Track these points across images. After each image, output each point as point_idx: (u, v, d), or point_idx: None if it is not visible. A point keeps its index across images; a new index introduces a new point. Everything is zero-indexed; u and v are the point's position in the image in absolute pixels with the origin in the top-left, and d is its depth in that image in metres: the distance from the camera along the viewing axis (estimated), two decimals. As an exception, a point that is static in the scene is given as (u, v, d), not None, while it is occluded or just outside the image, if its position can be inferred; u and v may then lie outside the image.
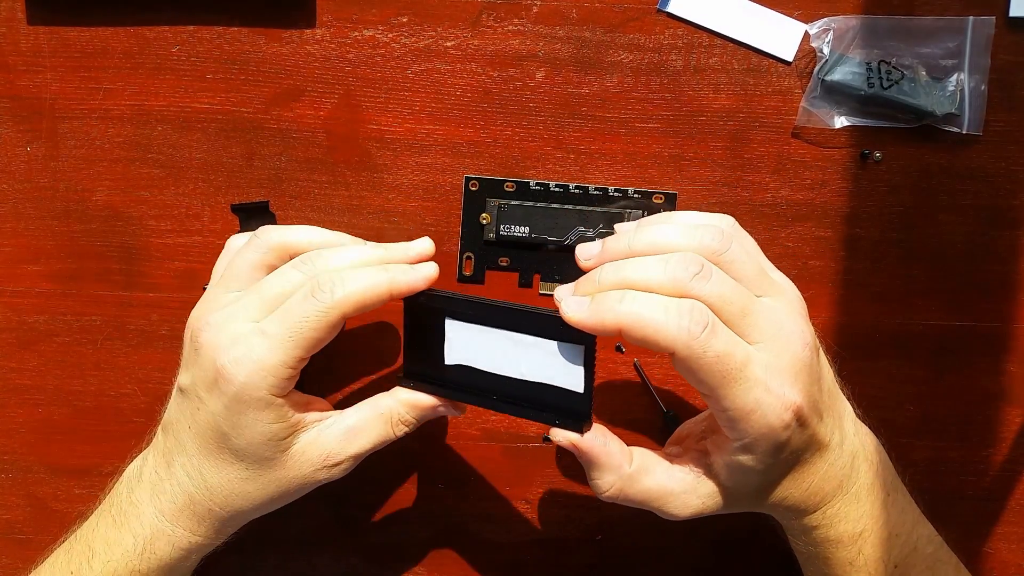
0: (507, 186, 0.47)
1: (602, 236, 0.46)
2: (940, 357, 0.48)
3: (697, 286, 0.35)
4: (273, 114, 0.47)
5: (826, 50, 0.45)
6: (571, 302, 0.36)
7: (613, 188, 0.47)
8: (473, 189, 0.47)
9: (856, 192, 0.47)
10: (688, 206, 0.47)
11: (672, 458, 0.40)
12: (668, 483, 0.39)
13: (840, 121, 0.46)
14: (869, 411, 0.42)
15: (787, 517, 0.40)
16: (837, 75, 0.45)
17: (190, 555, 0.41)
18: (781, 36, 0.46)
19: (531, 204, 0.47)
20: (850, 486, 0.39)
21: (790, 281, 0.39)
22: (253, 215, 0.47)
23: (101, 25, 0.46)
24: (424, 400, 0.41)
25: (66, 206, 0.47)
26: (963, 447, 0.48)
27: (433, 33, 0.46)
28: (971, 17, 0.45)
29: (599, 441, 0.38)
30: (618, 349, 0.48)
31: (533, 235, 0.47)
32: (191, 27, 0.46)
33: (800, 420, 0.36)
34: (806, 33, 0.46)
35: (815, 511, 0.39)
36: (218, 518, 0.40)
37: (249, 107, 0.47)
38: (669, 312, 0.34)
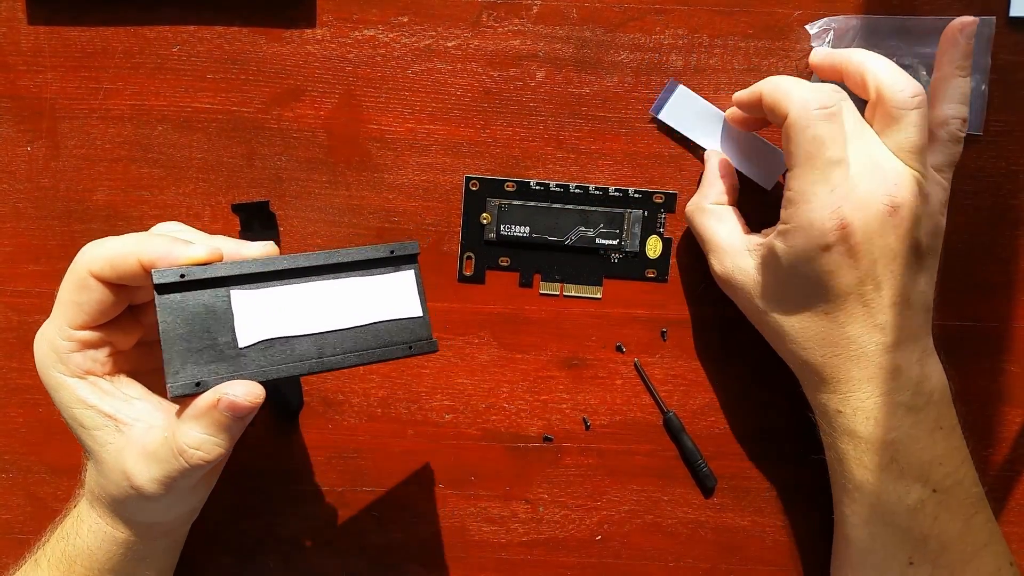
0: (507, 186, 0.47)
1: (603, 236, 0.47)
2: (940, 357, 0.48)
3: (837, 90, 0.39)
4: (273, 114, 0.47)
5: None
6: (738, 92, 0.43)
7: (614, 188, 0.47)
8: (473, 189, 0.47)
9: (856, 192, 0.47)
10: (688, 206, 0.47)
11: (742, 221, 0.43)
12: (723, 237, 0.43)
13: None
14: (869, 411, 0.42)
15: (812, 382, 0.41)
16: None
17: (112, 547, 0.39)
18: (766, 166, 0.46)
19: (532, 204, 0.47)
20: (887, 393, 0.39)
21: (947, 185, 0.41)
22: (253, 215, 0.47)
23: (101, 25, 0.46)
24: (204, 401, 0.34)
25: (66, 206, 0.47)
26: (963, 447, 0.48)
27: (433, 33, 0.46)
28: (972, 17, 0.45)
29: (714, 171, 0.44)
30: (618, 349, 0.48)
31: (534, 235, 0.47)
32: (191, 27, 0.46)
33: (846, 243, 0.38)
34: (806, 32, 0.46)
35: (840, 392, 0.40)
36: (108, 506, 0.38)
37: (249, 107, 0.47)
38: (801, 84, 0.39)
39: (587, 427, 0.48)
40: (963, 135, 0.41)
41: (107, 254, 0.35)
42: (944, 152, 0.41)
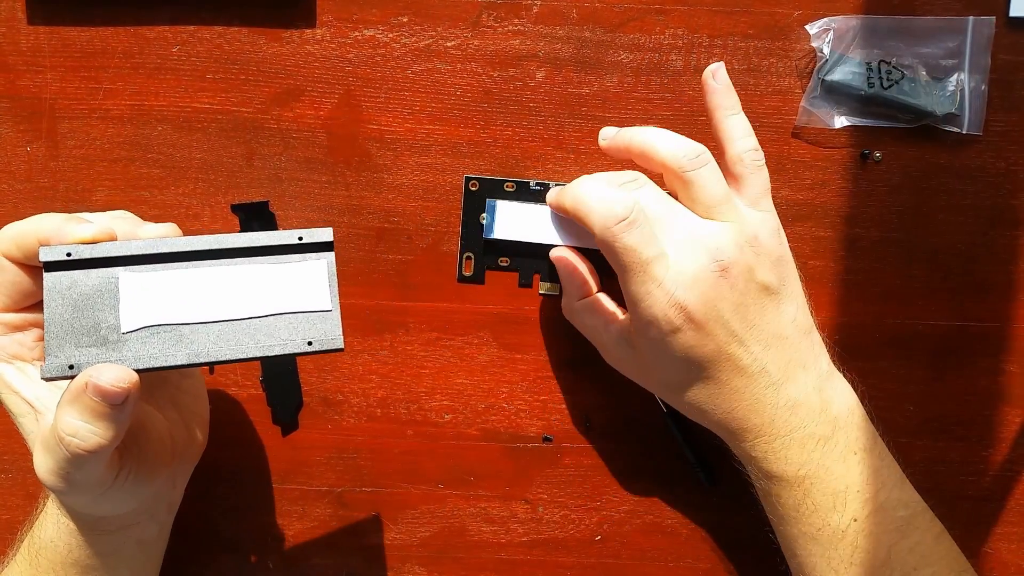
0: (507, 186, 0.47)
1: None
2: (940, 357, 0.48)
3: (632, 190, 0.40)
4: (273, 114, 0.47)
5: (826, 50, 0.45)
6: (550, 196, 0.44)
7: None
8: (473, 189, 0.47)
9: (856, 192, 0.47)
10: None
11: (617, 315, 0.44)
12: (596, 333, 0.44)
13: (840, 121, 0.46)
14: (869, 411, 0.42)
15: (724, 436, 0.42)
16: (837, 75, 0.45)
17: (70, 539, 0.39)
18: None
19: (528, 203, 0.46)
20: (791, 430, 0.40)
21: (769, 215, 0.41)
22: (253, 215, 0.47)
23: (101, 25, 0.46)
24: (75, 385, 0.32)
25: (66, 206, 0.47)
26: (963, 447, 0.48)
27: (433, 33, 0.46)
28: (971, 17, 0.45)
29: (569, 267, 0.44)
30: (618, 349, 0.48)
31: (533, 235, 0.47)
32: (191, 27, 0.46)
33: (693, 323, 0.39)
34: (806, 32, 0.46)
35: (748, 440, 0.41)
36: (43, 484, 0.36)
37: (249, 107, 0.47)
38: (599, 199, 0.39)
39: (587, 427, 0.48)
40: (762, 162, 0.41)
41: (11, 234, 0.35)
42: (753, 184, 0.41)
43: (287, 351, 0.34)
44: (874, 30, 0.45)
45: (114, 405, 0.32)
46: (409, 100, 0.47)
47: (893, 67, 0.45)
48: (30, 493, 0.49)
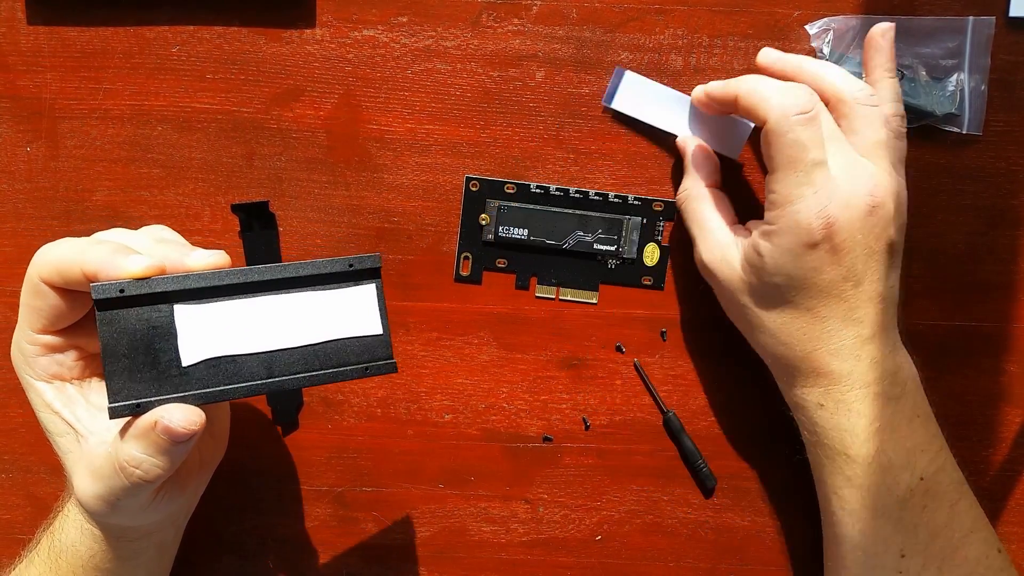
0: (507, 188, 0.47)
1: (600, 242, 0.47)
2: (940, 357, 0.48)
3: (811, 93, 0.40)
4: (273, 114, 0.47)
5: (826, 50, 0.45)
6: (702, 89, 0.44)
7: (613, 194, 0.47)
8: (473, 190, 0.47)
9: (856, 192, 0.47)
10: (688, 206, 0.47)
11: (733, 217, 0.44)
12: (712, 225, 0.43)
13: None
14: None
15: (784, 377, 0.42)
16: None
17: (92, 544, 0.39)
18: (729, 135, 0.46)
19: (531, 207, 0.47)
20: (867, 384, 0.40)
21: (903, 183, 0.41)
22: (253, 215, 0.47)
23: (101, 25, 0.46)
24: (143, 422, 0.33)
25: (66, 206, 0.47)
26: (963, 447, 0.48)
27: (433, 33, 0.46)
28: (971, 17, 0.45)
29: (699, 155, 0.45)
30: (618, 349, 0.48)
31: (532, 237, 0.47)
32: (191, 27, 0.46)
33: (831, 241, 0.38)
34: (806, 32, 0.46)
35: (816, 383, 0.40)
36: (83, 506, 0.37)
37: (249, 107, 0.47)
38: (780, 89, 0.39)
39: (587, 427, 0.48)
40: (904, 130, 0.41)
41: (54, 261, 0.35)
42: (896, 148, 0.41)
43: (344, 377, 0.36)
44: None
45: (175, 442, 0.33)
46: (409, 100, 0.47)
47: None
48: (30, 493, 0.49)
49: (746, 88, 0.40)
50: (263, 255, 0.47)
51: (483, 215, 0.47)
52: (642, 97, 0.46)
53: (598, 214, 0.47)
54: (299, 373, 0.35)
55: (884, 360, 0.40)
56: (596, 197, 0.47)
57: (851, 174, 0.39)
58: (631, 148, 0.47)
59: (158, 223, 0.47)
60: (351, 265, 0.36)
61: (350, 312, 0.36)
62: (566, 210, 0.47)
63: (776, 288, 0.40)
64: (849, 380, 0.40)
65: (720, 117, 0.46)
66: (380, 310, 0.36)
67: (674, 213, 0.47)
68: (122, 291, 0.33)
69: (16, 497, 0.49)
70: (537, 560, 0.49)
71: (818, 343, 0.40)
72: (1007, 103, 0.46)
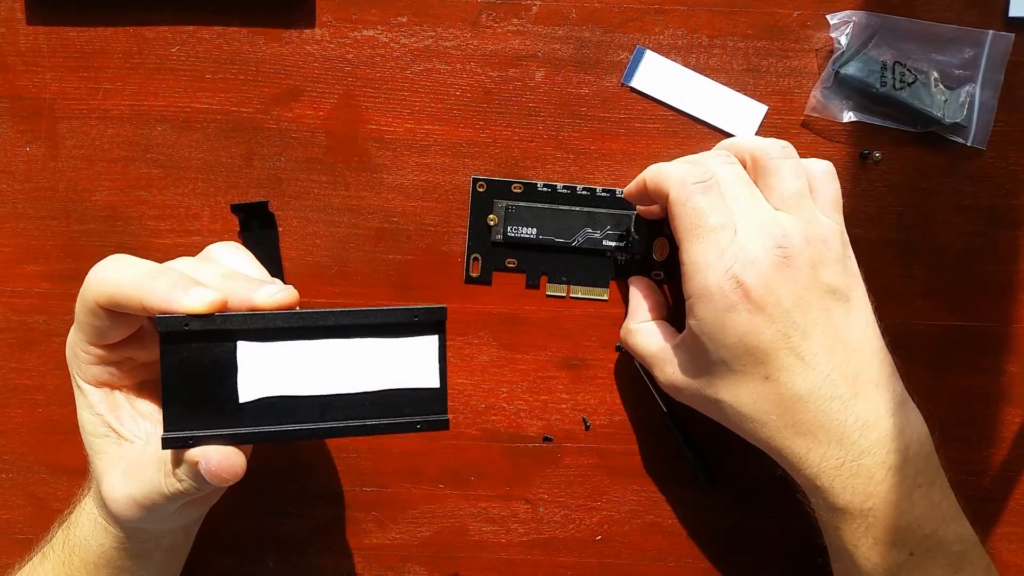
0: (515, 187, 0.47)
1: (610, 238, 0.47)
2: (940, 357, 0.48)
3: (714, 162, 0.40)
4: (273, 114, 0.47)
5: (844, 41, 0.45)
6: (628, 189, 0.44)
7: (621, 190, 0.47)
8: (480, 191, 0.47)
9: (856, 192, 0.47)
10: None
11: (668, 330, 0.44)
12: (653, 346, 0.43)
13: (848, 116, 0.46)
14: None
15: (782, 458, 0.40)
16: (852, 69, 0.45)
17: (105, 540, 0.40)
18: (743, 117, 0.46)
19: (539, 206, 0.47)
20: (860, 455, 0.37)
21: (839, 225, 0.40)
22: (252, 215, 0.47)
23: (101, 25, 0.46)
24: (189, 455, 0.34)
25: (66, 206, 0.47)
26: (963, 447, 0.48)
27: (433, 33, 0.46)
28: (991, 31, 0.45)
29: (637, 293, 0.45)
30: (618, 349, 0.48)
31: (541, 236, 0.47)
32: (191, 27, 0.46)
33: (750, 303, 0.37)
34: (826, 26, 0.46)
35: (807, 463, 0.38)
36: (106, 507, 0.38)
37: (249, 107, 0.47)
38: (677, 164, 0.40)
39: (587, 427, 0.48)
40: (834, 172, 0.41)
41: (110, 290, 0.34)
42: (825, 191, 0.40)
43: (395, 430, 0.35)
44: (893, 30, 0.45)
45: (216, 482, 0.34)
46: (409, 100, 0.47)
47: (907, 69, 0.45)
48: (31, 493, 0.49)
49: (650, 173, 0.41)
50: (263, 255, 0.46)
51: (491, 215, 0.47)
52: (661, 77, 0.46)
53: (606, 210, 0.47)
54: (351, 420, 0.35)
55: (877, 423, 0.38)
56: (604, 193, 0.47)
57: (760, 230, 0.38)
58: (631, 148, 0.47)
59: (158, 223, 0.47)
60: (416, 317, 0.35)
61: (409, 362, 0.35)
62: (574, 208, 0.47)
63: (725, 364, 0.39)
64: (839, 452, 0.37)
65: (734, 97, 0.46)
66: (440, 363, 0.36)
67: None
68: (187, 326, 0.33)
69: (16, 497, 0.49)
70: (537, 560, 0.49)
71: (795, 414, 0.38)
72: (1007, 103, 0.46)
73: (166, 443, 0.33)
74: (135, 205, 0.47)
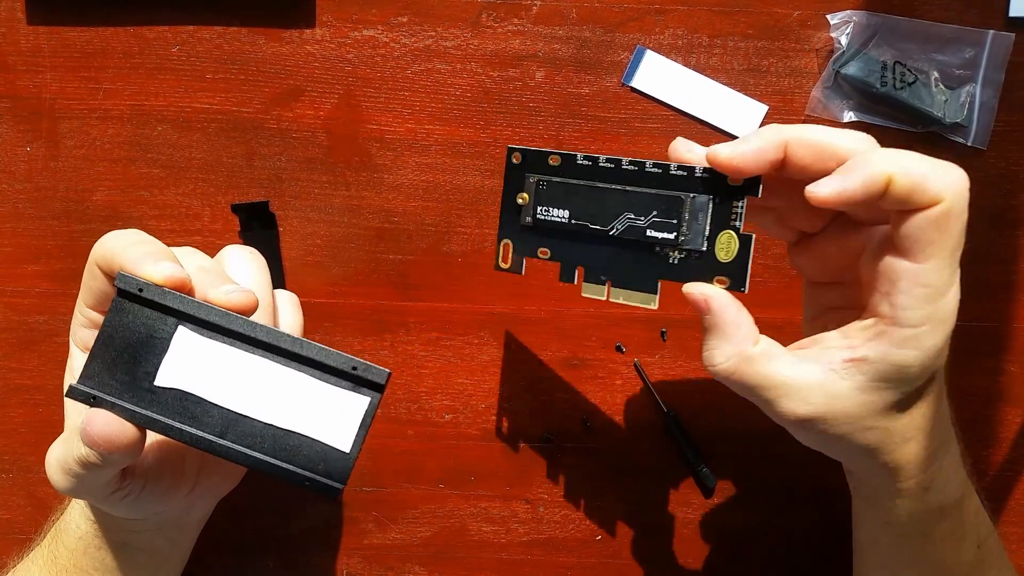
0: (551, 159, 0.39)
1: (656, 227, 0.37)
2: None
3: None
4: (273, 114, 0.47)
5: (844, 41, 0.45)
6: (728, 147, 0.33)
7: (676, 165, 0.36)
8: (516, 162, 0.40)
9: (856, 192, 0.47)
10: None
11: (802, 352, 0.35)
12: (792, 374, 0.34)
13: (848, 116, 0.46)
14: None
15: (894, 478, 0.35)
16: (852, 69, 0.45)
17: (86, 526, 0.40)
18: (743, 117, 0.46)
19: (574, 181, 0.38)
20: (952, 440, 0.36)
21: None
22: (253, 215, 0.47)
23: (101, 25, 0.46)
24: (84, 420, 0.32)
25: (66, 206, 0.47)
26: (963, 447, 0.48)
27: (433, 33, 0.46)
28: (991, 31, 0.45)
29: (732, 308, 0.34)
30: (618, 349, 0.48)
31: (573, 220, 0.38)
32: (191, 27, 0.46)
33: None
34: (826, 26, 0.46)
35: (929, 466, 0.35)
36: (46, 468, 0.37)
37: (249, 107, 0.47)
38: (845, 131, 0.33)
39: (587, 427, 0.48)
40: None
41: (104, 252, 0.36)
42: None
43: (286, 477, 0.33)
44: (893, 30, 0.45)
45: (95, 447, 0.32)
46: (409, 100, 0.47)
47: (907, 69, 0.45)
48: (31, 493, 0.49)
49: (900, 165, 0.31)
50: (263, 255, 0.46)
51: (522, 194, 0.39)
52: (662, 76, 0.46)
53: (651, 191, 0.36)
54: (248, 448, 0.33)
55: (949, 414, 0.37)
56: (654, 169, 0.36)
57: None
58: (631, 148, 0.47)
59: (158, 223, 0.47)
60: (354, 368, 0.33)
61: (331, 414, 0.33)
62: (614, 186, 0.37)
63: (916, 394, 0.34)
64: (945, 448, 0.36)
65: (735, 97, 0.46)
66: (361, 429, 0.33)
67: (758, 188, 0.34)
68: (140, 290, 0.33)
69: (16, 497, 0.49)
70: (537, 560, 0.49)
71: (932, 418, 0.35)
72: (1007, 103, 0.46)
73: (70, 391, 0.33)
74: (135, 205, 0.47)
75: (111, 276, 0.36)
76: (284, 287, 0.47)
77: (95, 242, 0.36)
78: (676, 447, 0.48)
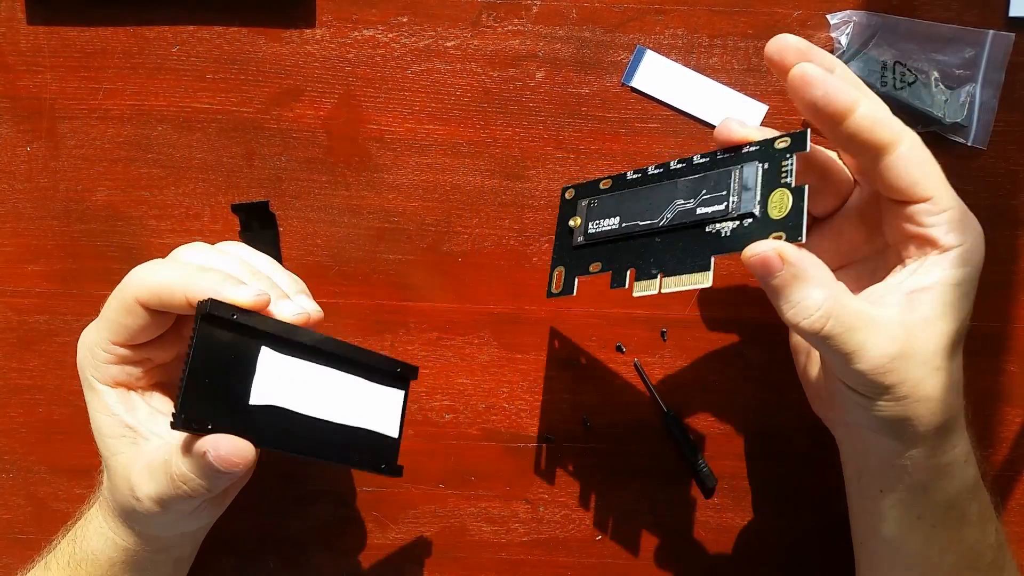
0: (603, 184, 0.41)
1: (706, 203, 0.37)
2: (940, 357, 0.48)
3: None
4: (273, 114, 0.47)
5: (844, 41, 0.45)
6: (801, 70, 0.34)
7: (722, 150, 0.38)
8: (568, 198, 0.42)
9: (856, 192, 0.47)
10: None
11: (865, 294, 0.36)
12: (874, 312, 0.33)
13: None
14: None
15: (945, 442, 0.35)
16: (852, 69, 0.45)
17: (114, 553, 0.40)
18: (744, 117, 0.46)
19: (620, 192, 0.40)
20: (961, 413, 0.36)
21: None
22: (253, 215, 0.47)
23: (101, 25, 0.46)
24: (197, 446, 0.34)
25: (66, 206, 0.47)
26: (963, 447, 0.48)
27: (433, 33, 0.46)
28: (991, 31, 0.45)
29: (807, 253, 0.33)
30: (618, 349, 0.48)
31: (624, 224, 0.39)
32: (191, 27, 0.46)
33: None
34: (827, 26, 0.46)
35: (962, 430, 0.36)
36: (114, 512, 0.39)
37: (249, 107, 0.47)
38: (891, 115, 0.35)
39: (587, 427, 0.48)
40: None
41: (155, 287, 0.35)
42: None
43: (364, 468, 0.39)
44: (893, 30, 0.45)
45: (219, 471, 0.34)
46: (409, 100, 0.47)
47: (907, 69, 0.45)
48: (31, 493, 0.49)
49: (869, 118, 0.34)
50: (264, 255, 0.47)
51: (574, 218, 0.41)
52: (661, 76, 0.46)
53: (699, 175, 0.38)
54: (325, 444, 0.37)
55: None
56: (703, 159, 0.38)
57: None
58: (632, 148, 0.47)
59: (158, 223, 0.47)
60: (398, 369, 0.40)
61: (378, 407, 0.39)
62: (660, 182, 0.39)
63: (962, 309, 0.35)
64: (961, 417, 0.36)
65: (735, 97, 0.46)
66: (402, 416, 0.40)
67: (806, 142, 0.35)
68: (234, 316, 0.34)
69: (17, 497, 0.49)
70: (537, 560, 0.49)
71: (959, 381, 0.35)
72: (1007, 103, 0.46)
73: (176, 422, 0.33)
74: (136, 205, 0.47)
75: (155, 311, 0.36)
76: (284, 287, 0.47)
77: (122, 277, 0.36)
78: (676, 447, 0.48)
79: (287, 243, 0.47)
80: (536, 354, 0.48)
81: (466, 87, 0.47)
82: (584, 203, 0.41)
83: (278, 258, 0.47)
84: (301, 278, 0.47)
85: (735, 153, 0.37)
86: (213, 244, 0.40)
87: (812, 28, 0.46)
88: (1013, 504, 0.48)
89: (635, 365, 0.48)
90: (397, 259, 0.48)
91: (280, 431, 0.36)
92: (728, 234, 0.36)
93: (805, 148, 0.35)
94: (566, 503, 0.49)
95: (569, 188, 0.43)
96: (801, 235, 0.34)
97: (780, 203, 0.35)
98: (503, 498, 0.49)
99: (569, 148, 0.47)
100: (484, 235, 0.47)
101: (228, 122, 0.47)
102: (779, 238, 0.34)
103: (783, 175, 0.35)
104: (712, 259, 0.36)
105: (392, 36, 0.46)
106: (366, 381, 0.39)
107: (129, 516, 0.38)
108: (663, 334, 0.48)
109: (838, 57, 0.45)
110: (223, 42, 0.46)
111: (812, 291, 0.33)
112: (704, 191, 0.37)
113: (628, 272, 0.38)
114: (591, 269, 0.40)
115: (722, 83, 0.46)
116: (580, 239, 0.40)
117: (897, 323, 0.33)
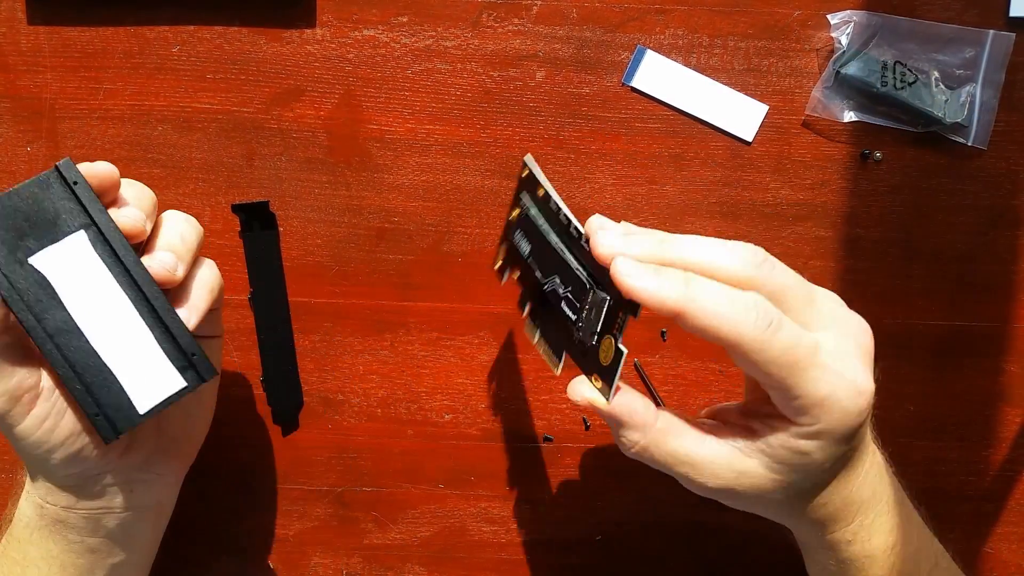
0: (539, 190, 0.38)
1: (568, 302, 0.37)
2: (940, 357, 0.48)
3: (764, 273, 0.33)
4: (273, 114, 0.47)
5: (844, 41, 0.45)
6: (630, 266, 0.32)
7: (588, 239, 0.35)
8: (523, 176, 0.40)
9: (856, 192, 0.47)
10: (688, 206, 0.47)
11: (706, 428, 0.37)
12: (699, 451, 0.36)
13: (849, 116, 0.46)
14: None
15: (818, 531, 0.38)
16: (852, 69, 0.45)
17: (29, 510, 0.39)
18: (744, 117, 0.46)
19: (541, 223, 0.38)
20: (882, 495, 0.38)
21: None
22: (254, 215, 0.47)
23: (101, 25, 0.46)
24: None
25: (66, 206, 0.47)
26: (963, 447, 0.48)
27: (433, 33, 0.46)
28: (991, 31, 0.45)
29: (621, 400, 0.35)
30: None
31: (530, 259, 0.39)
32: (191, 27, 0.46)
33: (870, 408, 0.35)
34: (827, 26, 0.46)
35: (851, 523, 0.37)
36: (33, 472, 0.38)
37: (249, 107, 0.47)
38: (736, 305, 0.32)
39: (587, 427, 0.48)
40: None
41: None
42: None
43: (80, 400, 0.35)
44: (893, 30, 0.45)
45: None
46: (409, 100, 0.47)
47: (908, 69, 0.45)
48: (30, 493, 0.49)
49: (694, 307, 0.32)
50: (264, 255, 0.47)
51: (515, 210, 0.40)
52: (662, 76, 0.46)
53: (577, 267, 0.36)
54: (65, 357, 0.35)
55: (880, 462, 0.38)
56: (586, 245, 0.34)
57: (842, 326, 0.35)
58: (632, 148, 0.47)
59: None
60: (194, 354, 0.36)
61: (149, 376, 0.36)
62: (561, 247, 0.37)
63: (825, 471, 0.36)
64: (872, 502, 0.37)
65: (735, 97, 0.46)
66: (164, 402, 0.36)
67: (639, 310, 0.33)
68: (75, 183, 0.35)
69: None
70: (537, 560, 0.49)
71: (851, 482, 0.37)
72: (1007, 103, 0.46)
73: None
74: (135, 205, 0.47)
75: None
76: (284, 287, 0.47)
77: None
78: (676, 447, 0.48)
79: (287, 243, 0.47)
80: (536, 354, 0.48)
81: (466, 87, 0.47)
82: (524, 205, 0.39)
83: (278, 258, 0.47)
84: (301, 278, 0.47)
85: (600, 278, 0.35)
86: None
87: (812, 28, 0.46)
88: (1013, 504, 0.48)
89: (635, 365, 0.48)
90: (397, 259, 0.48)
91: (31, 304, 0.34)
92: (576, 342, 0.36)
93: (635, 315, 0.33)
94: (566, 503, 0.49)
95: (527, 166, 0.39)
96: (610, 393, 0.34)
97: (607, 351, 0.34)
98: (503, 498, 0.49)
99: (569, 148, 0.47)
100: (484, 235, 0.47)
101: (228, 122, 0.47)
102: (597, 382, 0.35)
103: (616, 327, 0.34)
104: (564, 355, 0.37)
105: (392, 36, 0.46)
106: (158, 345, 0.36)
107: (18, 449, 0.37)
108: (663, 334, 0.48)
109: (838, 57, 0.45)
110: (223, 42, 0.46)
111: (628, 432, 0.36)
112: (571, 288, 0.36)
113: (528, 304, 0.40)
114: (513, 272, 0.41)
115: (722, 83, 0.46)
116: (516, 234, 0.40)
117: (725, 464, 0.35)
